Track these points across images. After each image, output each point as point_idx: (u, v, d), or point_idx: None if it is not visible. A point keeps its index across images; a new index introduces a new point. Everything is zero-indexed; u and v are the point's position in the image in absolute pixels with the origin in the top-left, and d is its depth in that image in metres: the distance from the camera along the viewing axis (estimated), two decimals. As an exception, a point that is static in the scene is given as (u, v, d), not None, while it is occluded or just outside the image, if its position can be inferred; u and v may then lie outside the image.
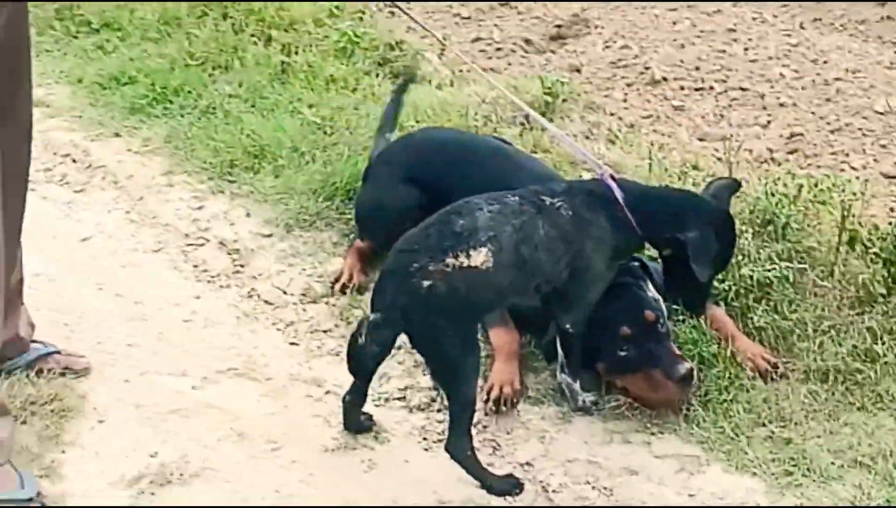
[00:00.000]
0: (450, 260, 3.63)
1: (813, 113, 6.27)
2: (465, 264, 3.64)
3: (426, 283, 3.62)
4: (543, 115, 5.55)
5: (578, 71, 6.70)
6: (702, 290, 4.08)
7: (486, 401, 4.05)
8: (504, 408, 4.05)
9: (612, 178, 4.03)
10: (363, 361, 3.77)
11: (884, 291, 4.27)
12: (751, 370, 4.10)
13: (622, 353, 4.01)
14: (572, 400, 4.07)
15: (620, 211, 3.91)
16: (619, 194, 3.94)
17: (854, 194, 4.71)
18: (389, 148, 4.92)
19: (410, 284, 3.63)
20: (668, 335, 4.05)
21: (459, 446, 3.73)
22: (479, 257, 3.65)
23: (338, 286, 4.66)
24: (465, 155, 4.63)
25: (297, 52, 6.25)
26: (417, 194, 4.51)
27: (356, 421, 3.96)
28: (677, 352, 4.01)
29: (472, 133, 5.29)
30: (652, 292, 4.12)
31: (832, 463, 3.80)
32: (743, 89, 6.57)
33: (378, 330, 3.68)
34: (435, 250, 3.66)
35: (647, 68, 6.73)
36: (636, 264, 4.18)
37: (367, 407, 4.03)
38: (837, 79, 6.60)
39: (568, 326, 3.98)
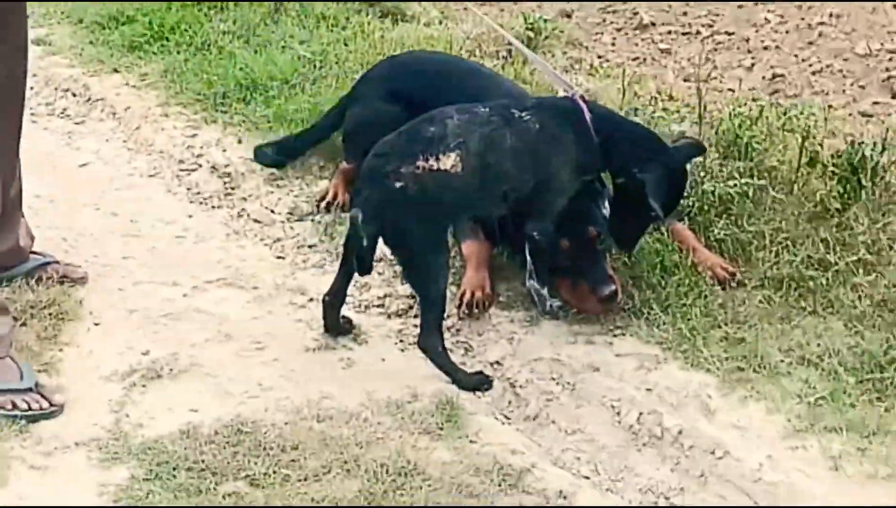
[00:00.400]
0: (420, 162, 3.83)
1: (795, 56, 6.44)
2: (434, 167, 3.84)
3: (398, 184, 3.83)
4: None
5: (569, 16, 6.88)
6: (639, 228, 4.24)
7: (459, 306, 4.29)
8: (476, 311, 4.29)
9: (583, 99, 4.23)
10: (361, 254, 4.00)
11: (839, 206, 4.48)
12: (710, 279, 4.32)
13: (559, 260, 4.23)
14: (540, 305, 4.29)
15: (586, 130, 4.10)
16: (587, 114, 4.14)
17: (816, 119, 4.89)
18: (373, 70, 5.13)
19: (384, 184, 3.85)
20: (605, 254, 4.26)
21: (430, 341, 3.97)
22: (449, 161, 3.85)
23: (323, 204, 4.89)
24: (446, 74, 4.85)
25: (289, -8, 6.44)
26: (400, 112, 4.66)
27: (335, 323, 4.19)
28: (609, 272, 4.22)
29: (453, 56, 5.50)
30: (606, 210, 4.31)
31: (782, 361, 4.01)
32: (728, 34, 6.74)
33: (363, 224, 3.91)
34: (406, 153, 3.86)
35: (635, 14, 6.91)
36: (597, 184, 4.37)
37: (348, 313, 4.27)
38: (821, 23, 6.75)
39: (535, 233, 4.20)
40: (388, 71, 5.06)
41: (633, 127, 4.38)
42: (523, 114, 4.04)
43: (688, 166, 4.31)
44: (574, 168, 4.11)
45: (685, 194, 4.36)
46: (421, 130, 3.95)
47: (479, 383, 4.00)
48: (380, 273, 4.53)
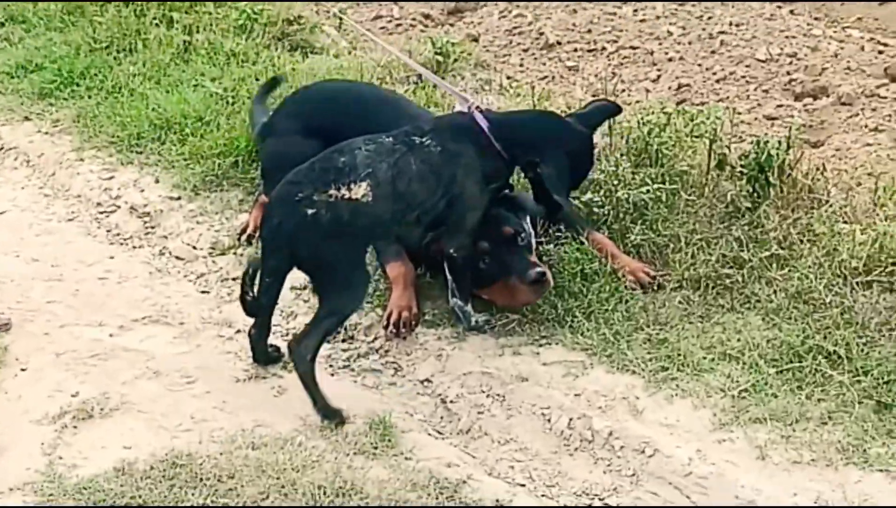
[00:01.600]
0: (332, 191, 3.95)
1: (699, 65, 6.60)
2: (346, 197, 3.96)
3: (310, 211, 3.93)
4: (434, 74, 5.84)
5: (476, 40, 6.97)
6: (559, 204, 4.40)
7: (387, 326, 4.34)
8: (403, 331, 4.33)
9: (479, 109, 4.34)
10: (258, 298, 4.08)
11: (749, 204, 4.60)
12: (631, 284, 4.41)
13: (482, 267, 4.31)
14: (465, 321, 4.35)
15: (486, 140, 4.23)
16: (483, 123, 4.26)
17: (722, 123, 5.01)
18: (287, 103, 5.18)
19: (296, 211, 3.94)
20: (530, 249, 4.37)
21: (305, 345, 3.99)
22: (360, 191, 3.97)
23: (244, 237, 4.92)
24: (355, 102, 4.93)
25: (198, 31, 6.45)
26: (315, 144, 4.68)
27: (264, 353, 4.22)
28: (533, 260, 4.32)
29: (363, 83, 5.56)
30: (528, 225, 4.41)
31: (704, 358, 4.12)
32: (633, 48, 6.88)
33: (267, 261, 4.01)
34: (318, 182, 3.98)
35: (541, 34, 7.02)
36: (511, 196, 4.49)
37: (277, 342, 4.29)
38: (722, 32, 6.93)
39: (452, 250, 4.27)
40: (300, 104, 5.09)
41: (531, 121, 4.54)
42: (423, 139, 4.15)
43: (598, 131, 4.56)
44: (480, 180, 4.21)
45: (593, 160, 4.55)
46: (332, 160, 4.07)
47: (332, 415, 3.96)
48: (305, 300, 4.57)
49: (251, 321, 4.23)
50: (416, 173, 4.07)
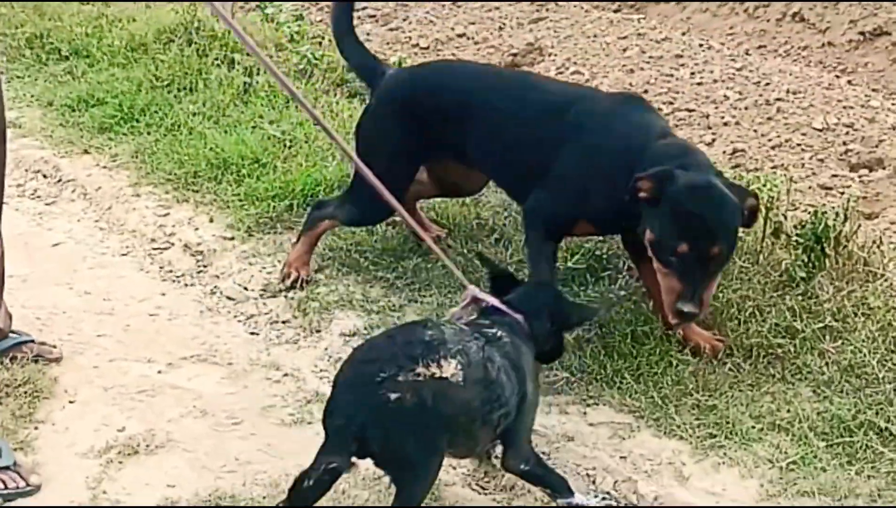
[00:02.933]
0: (420, 369, 3.35)
1: (755, 131, 6.58)
2: (436, 375, 3.36)
3: (394, 395, 3.31)
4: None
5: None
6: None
7: None
8: None
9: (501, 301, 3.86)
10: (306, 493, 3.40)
11: (803, 274, 4.57)
12: (707, 352, 4.36)
13: None
14: None
15: (523, 331, 3.79)
16: (518, 316, 3.81)
17: (778, 191, 4.99)
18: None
19: (376, 396, 3.31)
20: None
21: None
22: (450, 368, 3.40)
23: (288, 282, 4.91)
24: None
25: (258, 73, 6.52)
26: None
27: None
28: None
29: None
30: None
31: (752, 427, 4.08)
32: (689, 110, 6.88)
33: (327, 455, 3.37)
34: (403, 358, 3.36)
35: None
36: None
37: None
38: (779, 99, 6.92)
39: (523, 466, 3.73)
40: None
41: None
42: (494, 330, 3.68)
43: None
44: (536, 375, 3.84)
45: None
46: (416, 332, 3.51)
47: None
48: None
49: (298, 364, 4.22)
50: (501, 363, 3.56)
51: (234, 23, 3.96)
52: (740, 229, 4.18)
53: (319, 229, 4.92)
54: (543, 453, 4.07)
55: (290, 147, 5.86)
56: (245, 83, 6.47)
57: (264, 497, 3.76)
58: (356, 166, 4.16)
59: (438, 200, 5.32)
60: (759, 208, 4.21)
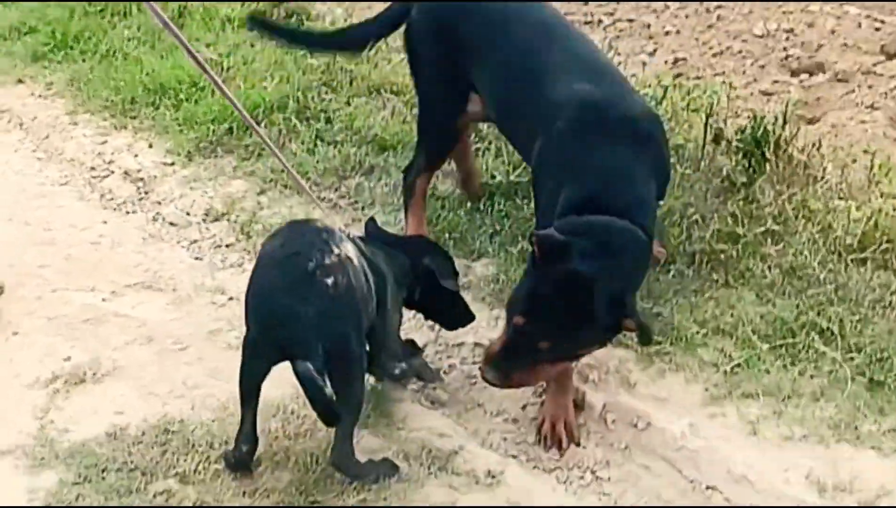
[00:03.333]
0: (336, 251, 3.45)
1: (696, 39, 6.55)
2: (345, 255, 3.48)
3: (329, 280, 3.38)
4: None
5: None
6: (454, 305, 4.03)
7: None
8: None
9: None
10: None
11: (744, 179, 4.60)
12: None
13: None
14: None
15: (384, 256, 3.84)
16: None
17: (719, 98, 5.00)
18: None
19: (314, 284, 3.37)
20: None
21: (345, 452, 3.53)
22: (349, 250, 3.53)
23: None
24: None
25: (193, -4, 6.42)
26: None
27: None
28: None
29: None
30: None
31: (697, 332, 4.12)
32: (630, 21, 6.83)
33: (255, 363, 3.51)
34: (320, 244, 3.45)
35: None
36: None
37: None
38: (719, 6, 6.87)
39: (398, 371, 3.86)
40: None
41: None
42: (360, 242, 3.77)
43: None
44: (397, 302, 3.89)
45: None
46: (309, 224, 3.71)
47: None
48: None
49: (243, 288, 4.19)
50: (366, 264, 3.64)
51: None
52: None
53: (417, 191, 4.59)
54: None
55: (227, 70, 5.78)
56: (180, 6, 6.35)
57: (213, 421, 3.77)
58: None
59: (379, 117, 5.30)
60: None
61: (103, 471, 3.57)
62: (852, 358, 3.94)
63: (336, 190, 4.94)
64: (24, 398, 3.91)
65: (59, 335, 4.21)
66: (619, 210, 3.63)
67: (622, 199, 3.67)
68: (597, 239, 3.56)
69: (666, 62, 6.31)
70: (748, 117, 5.00)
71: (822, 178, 4.61)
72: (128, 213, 5.02)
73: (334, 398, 3.32)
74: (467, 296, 4.17)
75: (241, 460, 3.55)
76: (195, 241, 4.82)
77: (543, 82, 3.99)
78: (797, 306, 4.14)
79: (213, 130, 5.35)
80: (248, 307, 3.53)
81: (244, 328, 4.05)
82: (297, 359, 3.32)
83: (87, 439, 3.70)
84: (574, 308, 3.51)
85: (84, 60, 6.05)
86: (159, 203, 5.06)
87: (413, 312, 4.07)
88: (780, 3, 6.85)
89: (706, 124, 4.79)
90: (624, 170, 3.75)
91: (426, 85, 4.52)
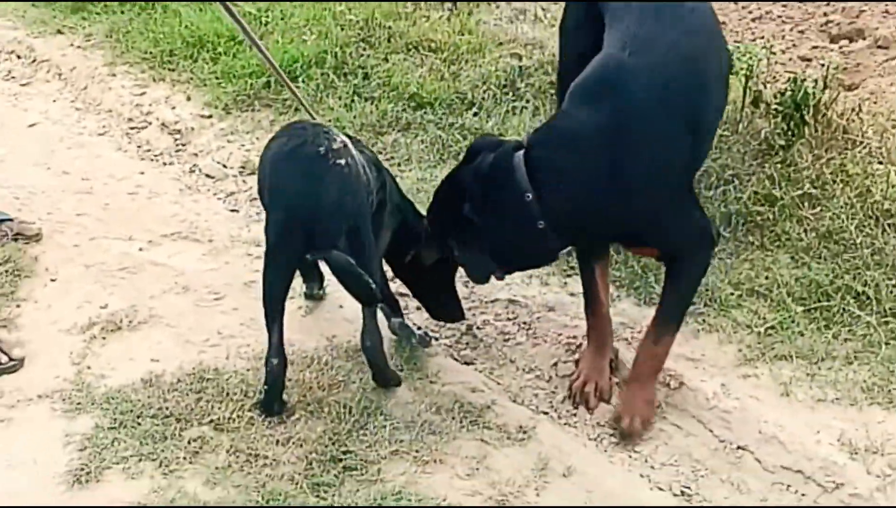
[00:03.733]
0: (337, 139, 3.54)
1: (736, 2, 6.52)
2: (345, 143, 3.56)
3: (341, 161, 3.47)
4: (469, 1, 5.83)
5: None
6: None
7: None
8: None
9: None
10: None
11: (783, 142, 4.56)
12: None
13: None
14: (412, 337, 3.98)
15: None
16: None
17: (759, 61, 4.95)
18: None
19: (329, 167, 3.43)
20: None
21: (377, 336, 3.66)
22: (344, 139, 3.60)
23: None
24: None
25: (232, -50, 6.41)
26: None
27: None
28: None
29: None
30: None
31: (731, 294, 4.11)
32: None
33: (283, 254, 3.55)
34: (322, 134, 3.53)
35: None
36: None
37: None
38: (760, -30, 6.85)
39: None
40: None
41: None
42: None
43: None
44: None
45: None
46: (303, 121, 3.85)
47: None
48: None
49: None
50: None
51: None
52: None
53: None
54: (524, 323, 4.11)
55: (265, 24, 5.79)
56: (219, -40, 6.35)
57: (248, 370, 3.79)
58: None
59: (416, 74, 5.29)
60: None
61: (138, 417, 3.59)
62: (887, 322, 3.92)
63: (373, 146, 4.94)
64: (62, 343, 3.94)
65: (96, 282, 4.25)
66: None
67: None
68: None
69: (705, 25, 6.26)
70: (788, 81, 4.95)
71: (861, 143, 4.56)
72: (165, 164, 5.06)
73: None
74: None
75: (275, 375, 3.56)
76: (232, 193, 4.85)
77: None
78: (833, 269, 4.12)
79: (251, 84, 5.37)
80: (271, 205, 3.56)
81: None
82: (324, 248, 3.40)
83: (123, 385, 3.73)
84: None
85: (123, 12, 6.10)
86: (196, 155, 5.09)
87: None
88: (821, -32, 6.80)
89: (745, 87, 4.76)
90: None
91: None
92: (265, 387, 3.60)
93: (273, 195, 3.56)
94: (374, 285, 3.41)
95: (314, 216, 3.42)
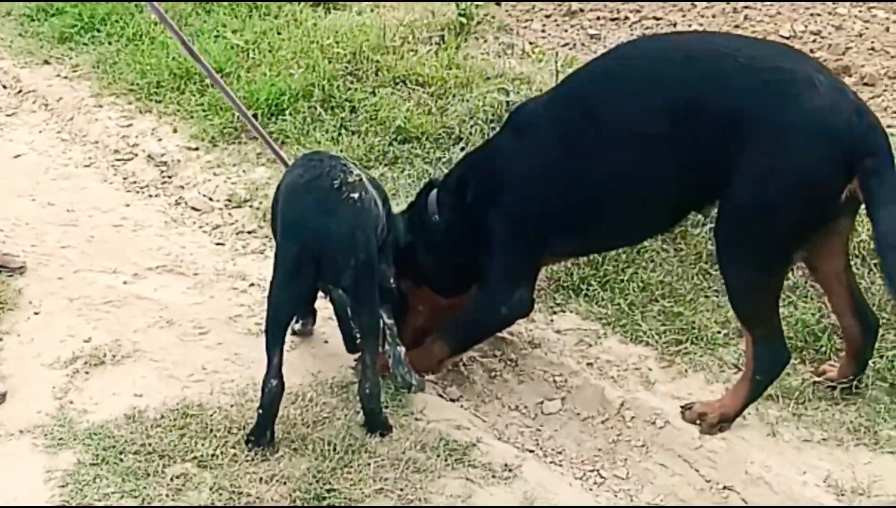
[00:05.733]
0: (353, 172, 3.62)
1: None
2: (361, 176, 3.64)
3: (355, 195, 3.55)
4: (457, 36, 5.84)
5: (499, 3, 6.93)
6: None
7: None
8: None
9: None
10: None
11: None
12: None
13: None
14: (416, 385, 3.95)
15: None
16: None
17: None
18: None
19: (343, 201, 3.53)
20: None
21: (376, 380, 3.66)
22: (360, 173, 3.68)
23: None
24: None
25: (221, -18, 6.43)
26: None
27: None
28: None
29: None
30: None
31: (718, 332, 4.10)
32: (656, 18, 6.83)
33: (295, 284, 3.59)
34: (339, 167, 3.62)
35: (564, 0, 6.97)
36: None
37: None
38: (746, 6, 6.88)
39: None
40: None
41: None
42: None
43: None
44: None
45: None
46: (320, 153, 3.91)
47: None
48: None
49: (265, 274, 4.19)
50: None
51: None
52: None
53: None
54: (510, 360, 4.09)
55: (253, 56, 5.79)
56: (207, -8, 6.38)
57: (231, 406, 3.76)
58: None
59: (404, 108, 5.29)
60: None
61: (121, 453, 3.55)
62: (873, 363, 3.90)
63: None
64: (45, 377, 3.90)
65: (80, 315, 4.22)
66: None
67: None
68: None
69: (692, 60, 6.27)
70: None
71: (848, 181, 4.56)
72: (151, 196, 5.04)
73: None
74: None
75: (272, 396, 3.56)
76: (217, 226, 4.83)
77: None
78: (819, 308, 4.11)
79: (238, 117, 5.34)
80: (284, 233, 3.61)
81: (264, 315, 4.08)
82: (331, 281, 3.51)
83: (105, 420, 3.69)
84: None
85: (110, 43, 6.10)
86: (182, 187, 5.07)
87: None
88: (808, 4, 6.84)
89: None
90: None
91: None
92: (259, 410, 3.58)
93: (286, 225, 3.61)
94: (355, 338, 3.55)
95: (324, 248, 3.49)
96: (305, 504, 3.37)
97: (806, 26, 6.58)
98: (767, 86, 3.41)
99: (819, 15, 6.69)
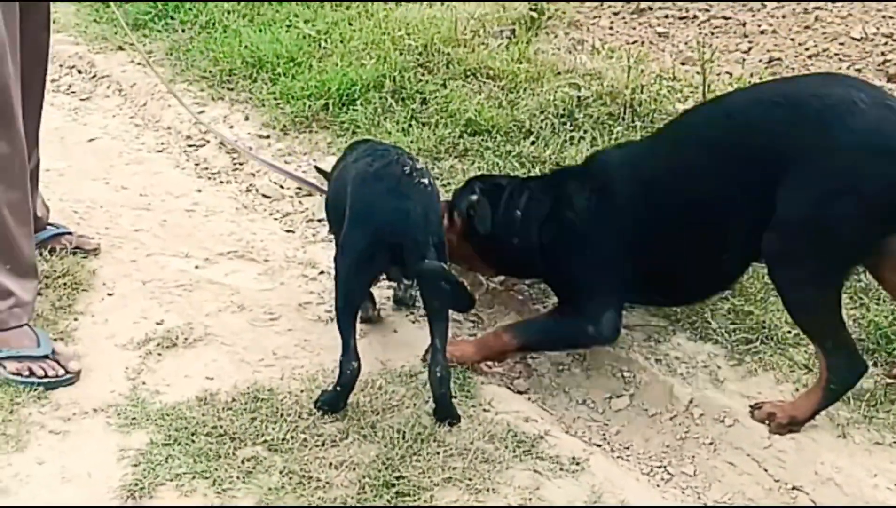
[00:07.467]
0: (416, 159, 3.75)
1: (792, 39, 6.49)
2: (423, 164, 3.76)
3: (425, 180, 3.65)
4: (528, 31, 5.84)
5: (568, 0, 6.93)
6: None
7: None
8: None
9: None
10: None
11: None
12: None
13: None
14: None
15: None
16: None
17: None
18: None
19: (416, 186, 3.62)
20: None
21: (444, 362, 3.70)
22: (418, 160, 3.78)
23: None
24: None
25: (293, -27, 6.48)
26: None
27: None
28: None
29: None
30: None
31: (788, 332, 4.07)
32: (725, 18, 6.80)
33: (367, 269, 3.69)
34: (404, 155, 3.74)
35: (633, -1, 6.96)
36: None
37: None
38: (817, 7, 6.82)
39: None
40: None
41: None
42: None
43: None
44: None
45: None
46: (381, 142, 4.12)
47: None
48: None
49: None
50: None
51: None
52: None
53: None
54: (579, 354, 4.10)
55: (324, 47, 5.83)
56: (282, -20, 6.42)
57: (302, 391, 3.78)
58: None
59: (474, 101, 5.30)
60: None
61: (192, 434, 3.59)
62: (947, 367, 3.88)
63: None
64: (118, 358, 3.95)
65: (153, 298, 4.26)
66: None
67: None
68: None
69: (760, 61, 6.25)
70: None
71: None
72: (222, 183, 5.08)
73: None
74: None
75: (353, 376, 3.64)
76: (287, 214, 4.86)
77: None
78: (892, 311, 4.08)
79: (309, 106, 5.39)
80: (354, 220, 3.63)
81: (333, 302, 4.11)
82: (415, 261, 3.52)
83: (177, 402, 3.73)
84: None
85: (184, 31, 6.14)
86: (253, 175, 5.11)
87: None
88: (880, 5, 6.77)
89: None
90: None
91: None
92: (337, 388, 3.66)
93: (358, 212, 3.64)
94: (469, 289, 3.60)
95: (405, 231, 3.54)
96: (374, 491, 3.39)
97: (878, 28, 6.51)
98: (807, 118, 3.42)
99: (892, 17, 6.62)
